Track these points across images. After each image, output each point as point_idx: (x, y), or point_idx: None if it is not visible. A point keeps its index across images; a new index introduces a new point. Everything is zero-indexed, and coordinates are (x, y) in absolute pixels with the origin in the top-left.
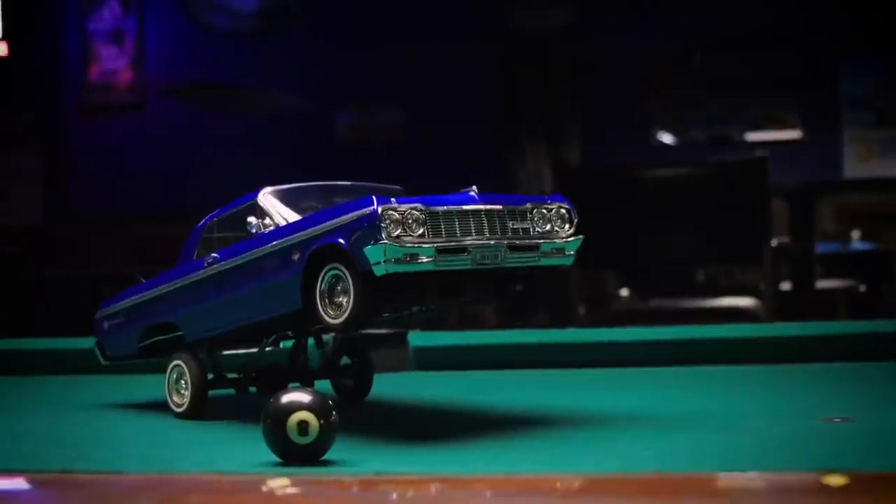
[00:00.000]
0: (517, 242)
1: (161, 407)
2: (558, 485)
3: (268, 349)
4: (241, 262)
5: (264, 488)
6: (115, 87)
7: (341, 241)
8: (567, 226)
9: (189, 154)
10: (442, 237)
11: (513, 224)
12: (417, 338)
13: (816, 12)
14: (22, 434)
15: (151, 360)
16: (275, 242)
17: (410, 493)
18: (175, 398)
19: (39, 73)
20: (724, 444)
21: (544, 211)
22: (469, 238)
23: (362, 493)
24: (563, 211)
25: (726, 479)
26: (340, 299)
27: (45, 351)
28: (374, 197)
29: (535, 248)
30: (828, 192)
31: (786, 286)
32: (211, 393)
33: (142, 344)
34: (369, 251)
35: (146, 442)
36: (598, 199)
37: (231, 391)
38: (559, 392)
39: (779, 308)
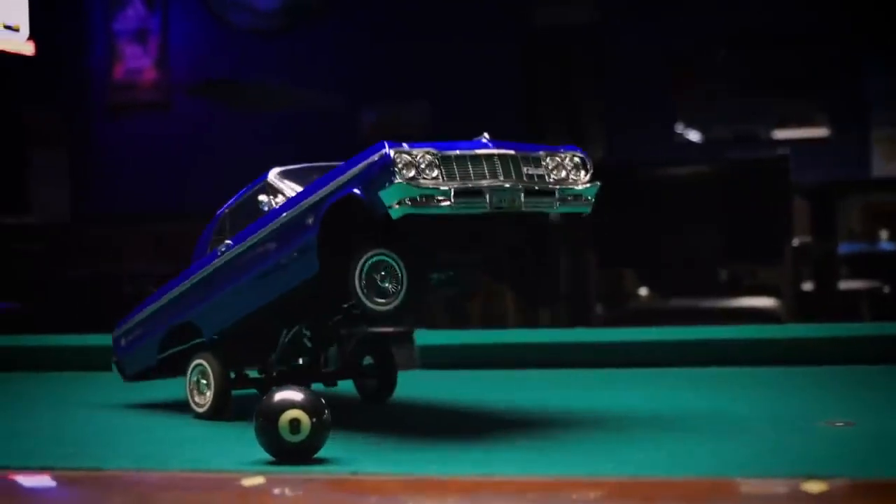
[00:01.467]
0: (533, 187)
1: (168, 405)
2: (553, 489)
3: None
4: (254, 240)
5: (239, 486)
6: (140, 86)
7: (356, 190)
8: (583, 173)
9: (214, 152)
10: (457, 180)
11: (527, 170)
12: (424, 336)
13: (844, 9)
14: (24, 431)
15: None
16: (287, 212)
17: (394, 494)
18: (196, 398)
19: (65, 72)
20: (721, 448)
21: (558, 159)
22: (484, 181)
23: (334, 493)
24: (577, 159)
25: (706, 483)
26: (387, 286)
27: (60, 348)
28: (384, 142)
29: (552, 193)
30: (853, 192)
31: (808, 286)
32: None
33: (161, 356)
34: (384, 194)
35: (145, 439)
36: (618, 196)
37: (253, 391)
38: (558, 392)
39: (799, 308)
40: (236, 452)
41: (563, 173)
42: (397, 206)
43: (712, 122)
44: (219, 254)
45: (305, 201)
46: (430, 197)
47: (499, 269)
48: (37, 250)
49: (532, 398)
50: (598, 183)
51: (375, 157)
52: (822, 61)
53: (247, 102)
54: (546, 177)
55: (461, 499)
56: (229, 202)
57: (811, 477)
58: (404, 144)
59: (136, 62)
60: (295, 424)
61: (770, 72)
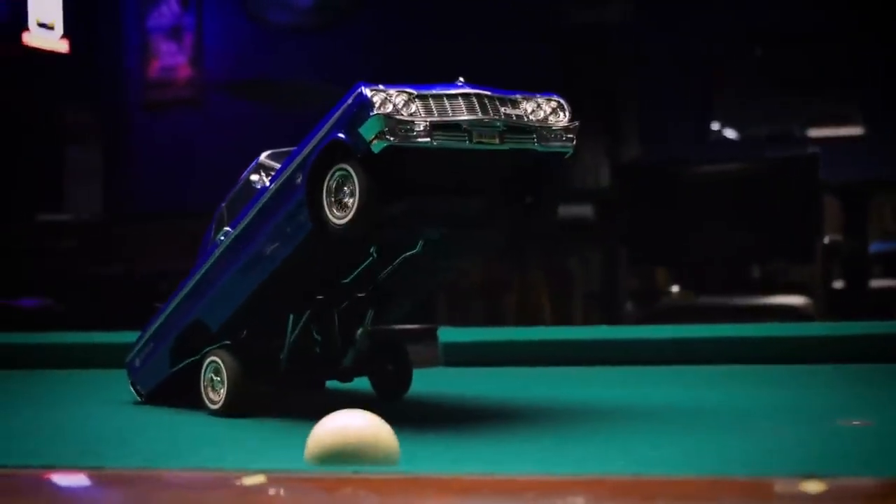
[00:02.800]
0: (513, 124)
1: (186, 403)
2: (554, 486)
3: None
4: (249, 218)
5: (237, 485)
6: (174, 84)
7: (340, 135)
8: (561, 115)
9: (248, 150)
10: (435, 116)
11: (505, 109)
12: (447, 333)
13: (880, 7)
14: (37, 428)
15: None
16: (276, 181)
17: (391, 493)
18: (210, 395)
19: (100, 70)
20: (733, 445)
21: (535, 102)
22: (462, 116)
23: (334, 492)
24: (553, 103)
25: (705, 482)
26: (347, 200)
27: (89, 345)
28: (360, 83)
29: (532, 130)
30: (887, 190)
31: (839, 284)
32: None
33: (173, 368)
34: (363, 129)
35: (159, 437)
36: (649, 194)
37: (268, 386)
38: (577, 389)
39: (830, 307)
40: (248, 450)
41: (542, 115)
42: (377, 140)
43: (747, 121)
44: (218, 244)
45: (292, 164)
46: (409, 130)
47: (490, 211)
48: (70, 247)
49: (550, 395)
50: (577, 122)
51: (352, 99)
52: (857, 59)
53: (280, 100)
54: (524, 117)
55: (463, 498)
56: (228, 193)
57: (811, 476)
58: (380, 85)
59: (171, 59)
60: None
61: (804, 70)
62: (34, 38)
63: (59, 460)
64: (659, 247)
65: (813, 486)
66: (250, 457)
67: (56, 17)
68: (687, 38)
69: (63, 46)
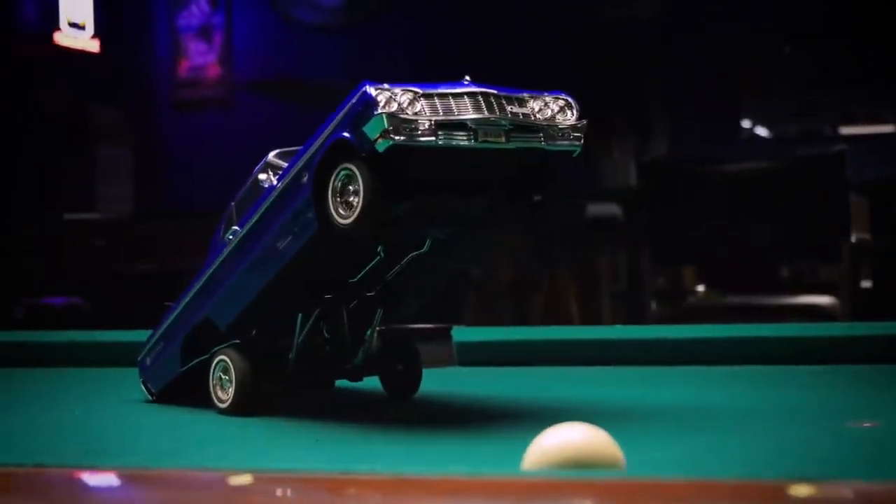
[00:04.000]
0: (519, 122)
1: (197, 401)
2: (551, 488)
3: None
4: (256, 217)
5: (226, 485)
6: (204, 83)
7: (345, 134)
8: (569, 113)
9: (276, 149)
10: (440, 115)
11: (511, 108)
12: (462, 333)
13: None
14: (42, 426)
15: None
16: (283, 179)
17: (391, 493)
18: (219, 394)
19: (130, 70)
20: (737, 447)
21: (542, 101)
22: (468, 114)
23: (319, 491)
24: (561, 102)
25: (693, 485)
26: (352, 199)
27: (113, 343)
28: (365, 81)
29: (538, 129)
30: None
31: (866, 284)
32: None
33: (183, 367)
34: (367, 128)
35: (167, 436)
36: (675, 193)
37: (274, 386)
38: (591, 389)
39: (857, 306)
40: (253, 450)
41: (549, 113)
42: (381, 139)
43: (777, 119)
44: (227, 243)
45: (298, 162)
46: (413, 128)
47: (496, 210)
48: (100, 246)
49: (561, 395)
50: (585, 121)
51: (356, 98)
52: (888, 57)
53: (308, 99)
54: (531, 116)
55: (458, 499)
56: (237, 192)
57: (799, 479)
58: (385, 83)
59: (201, 59)
60: None
61: (835, 68)
62: (65, 37)
63: (59, 459)
64: (685, 246)
65: (801, 490)
66: (254, 456)
67: (87, 17)
68: (716, 36)
69: (94, 46)
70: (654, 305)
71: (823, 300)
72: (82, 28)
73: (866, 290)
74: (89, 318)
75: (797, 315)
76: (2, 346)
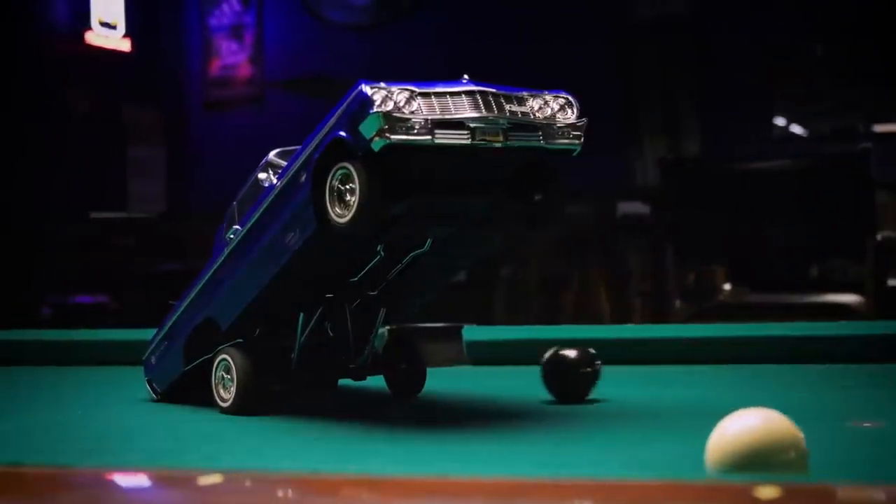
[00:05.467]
0: (518, 121)
1: (201, 400)
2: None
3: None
4: (256, 216)
5: (195, 484)
6: (235, 82)
7: (341, 133)
8: (569, 112)
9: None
10: (437, 114)
11: (510, 107)
12: (472, 332)
13: None
14: (48, 425)
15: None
16: (282, 179)
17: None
18: (221, 393)
19: (162, 69)
20: None
21: (542, 100)
22: (465, 113)
23: (286, 490)
24: (561, 100)
25: (663, 485)
26: (349, 198)
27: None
28: (361, 80)
29: (537, 127)
30: None
31: (894, 283)
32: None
33: (187, 366)
34: (363, 127)
35: (165, 435)
36: (702, 191)
37: (276, 385)
38: (602, 389)
39: (883, 305)
40: (248, 449)
41: (549, 112)
42: (377, 138)
43: (809, 116)
44: (227, 242)
45: (297, 161)
46: (409, 127)
47: (496, 209)
48: (132, 245)
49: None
50: (585, 119)
51: (352, 97)
52: None
53: (340, 98)
54: (530, 114)
55: (446, 501)
56: (239, 191)
57: (765, 481)
58: (381, 82)
59: (232, 58)
60: None
61: (867, 65)
62: (97, 37)
63: (57, 458)
64: (712, 244)
65: (767, 491)
66: (248, 455)
67: (118, 16)
68: (748, 33)
69: (125, 45)
70: (681, 304)
71: (849, 298)
72: (114, 28)
73: (893, 288)
74: (117, 316)
75: (822, 314)
76: (23, 344)
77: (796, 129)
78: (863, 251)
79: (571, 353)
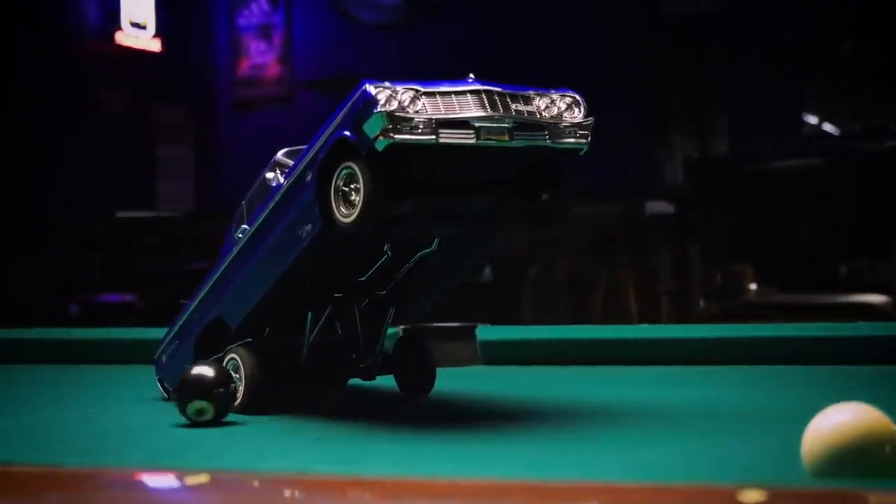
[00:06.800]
0: (523, 121)
1: None
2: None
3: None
4: (263, 216)
5: (182, 483)
6: (264, 81)
7: (346, 132)
8: (576, 111)
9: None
10: (442, 113)
11: (516, 106)
12: (486, 331)
13: None
14: (58, 424)
15: None
16: (289, 178)
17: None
18: None
19: (191, 69)
20: (735, 450)
21: (548, 99)
22: (470, 113)
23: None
24: (568, 99)
25: (646, 489)
26: (354, 198)
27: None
28: (365, 80)
29: (543, 127)
30: None
31: None
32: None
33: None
34: (367, 126)
35: (168, 435)
36: (726, 190)
37: (288, 384)
38: (612, 390)
39: None
40: (251, 449)
41: (555, 111)
42: (381, 138)
43: (838, 115)
44: (236, 241)
45: (303, 161)
46: (413, 126)
47: (502, 208)
48: (159, 244)
49: (579, 395)
50: (592, 119)
51: (357, 96)
52: None
53: None
54: (536, 114)
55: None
56: (248, 191)
57: (750, 485)
58: (386, 82)
59: (261, 58)
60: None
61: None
62: (127, 37)
63: (60, 458)
64: (739, 243)
65: (752, 495)
66: (249, 455)
67: (148, 16)
68: (777, 31)
69: (155, 46)
70: (708, 304)
71: (875, 298)
72: (144, 28)
73: None
74: (143, 316)
75: (849, 314)
76: (49, 343)
77: (827, 127)
78: (890, 251)
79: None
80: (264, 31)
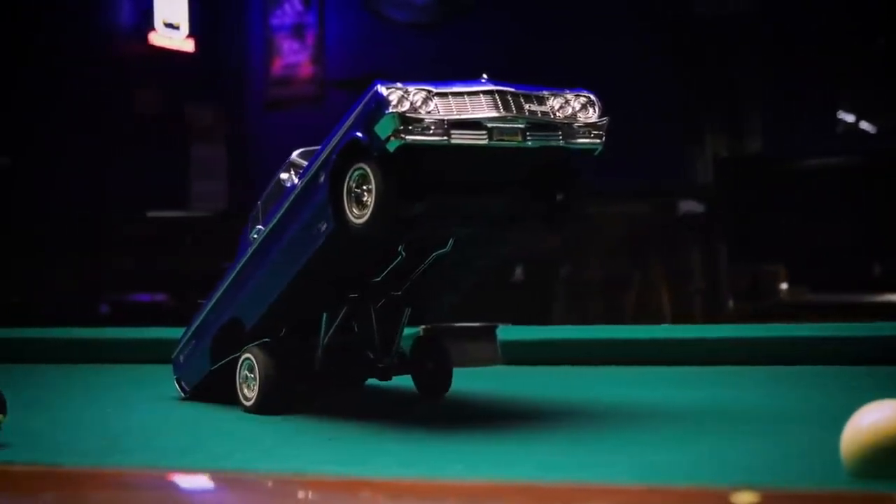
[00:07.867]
0: (537, 121)
1: (225, 400)
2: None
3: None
4: (277, 217)
5: (168, 482)
6: (297, 81)
7: (358, 133)
8: (591, 111)
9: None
10: (454, 113)
11: (529, 106)
12: (507, 332)
13: None
14: (69, 423)
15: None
16: (303, 179)
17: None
18: (245, 392)
19: (224, 69)
20: (743, 451)
21: (563, 99)
22: (483, 113)
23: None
24: (583, 99)
25: (638, 490)
26: (366, 199)
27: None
28: (377, 80)
29: (557, 127)
30: None
31: None
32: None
33: (213, 365)
34: (378, 128)
35: (179, 434)
36: (757, 189)
37: (303, 385)
38: (628, 390)
39: None
40: (260, 449)
41: (570, 111)
42: (392, 139)
43: (873, 113)
44: (251, 241)
45: (316, 162)
46: (425, 127)
47: (515, 208)
48: (191, 244)
49: (594, 395)
50: (606, 119)
51: (369, 97)
52: None
53: None
54: (550, 114)
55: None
56: (264, 192)
57: (744, 487)
58: (398, 82)
59: (294, 57)
60: None
61: None
62: (160, 38)
63: (77, 456)
64: (771, 243)
65: (744, 497)
66: (261, 455)
67: (182, 17)
68: (809, 28)
69: (188, 46)
70: (739, 303)
71: None
72: (177, 28)
73: None
74: (174, 316)
75: (879, 314)
76: (76, 342)
77: (863, 125)
78: None
79: None
80: (297, 31)
